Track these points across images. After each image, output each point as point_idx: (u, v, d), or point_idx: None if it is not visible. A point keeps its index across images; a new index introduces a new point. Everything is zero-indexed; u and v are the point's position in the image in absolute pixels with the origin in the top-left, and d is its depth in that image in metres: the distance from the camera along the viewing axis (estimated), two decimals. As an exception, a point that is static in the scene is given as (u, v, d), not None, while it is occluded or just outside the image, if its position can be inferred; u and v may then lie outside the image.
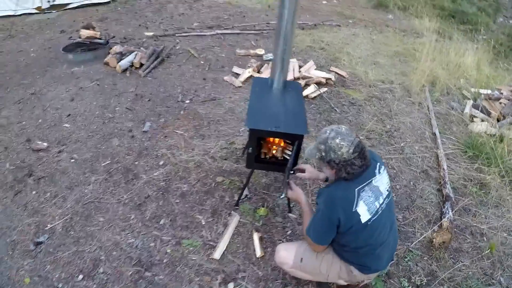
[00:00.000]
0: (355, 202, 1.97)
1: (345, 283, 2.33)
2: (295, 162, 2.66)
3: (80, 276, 2.66)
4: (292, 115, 2.77)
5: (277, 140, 2.90)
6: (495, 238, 3.21)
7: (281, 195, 2.50)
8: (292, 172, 2.61)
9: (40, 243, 2.88)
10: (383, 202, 2.08)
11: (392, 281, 2.79)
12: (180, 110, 4.51)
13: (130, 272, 2.69)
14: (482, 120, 4.65)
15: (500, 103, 4.85)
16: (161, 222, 3.08)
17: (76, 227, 3.03)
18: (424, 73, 5.50)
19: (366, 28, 8.36)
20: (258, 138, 2.73)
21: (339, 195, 2.00)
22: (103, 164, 3.64)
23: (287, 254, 2.30)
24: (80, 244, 2.89)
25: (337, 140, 1.95)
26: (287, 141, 2.87)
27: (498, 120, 4.53)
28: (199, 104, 4.66)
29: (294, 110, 2.83)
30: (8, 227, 3.01)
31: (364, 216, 1.98)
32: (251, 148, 2.67)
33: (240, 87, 5.13)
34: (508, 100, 4.80)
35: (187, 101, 4.71)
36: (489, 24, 10.40)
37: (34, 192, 3.33)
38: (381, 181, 2.11)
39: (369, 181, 2.05)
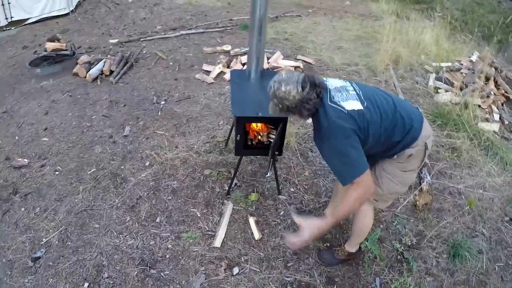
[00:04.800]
0: (341, 108, 1.89)
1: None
2: (281, 143, 2.66)
3: (86, 284, 2.55)
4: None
5: (259, 126, 2.88)
6: (472, 195, 3.33)
7: (267, 173, 2.51)
8: (277, 153, 2.61)
9: (38, 258, 2.73)
10: (354, 88, 2.02)
11: (385, 245, 2.86)
12: (157, 112, 4.39)
13: (136, 272, 2.61)
14: (446, 91, 4.74)
15: (461, 73, 4.94)
16: (157, 220, 3.00)
17: (72, 237, 2.90)
18: (387, 53, 5.55)
19: (326, 15, 8.43)
20: (244, 126, 2.70)
21: (330, 121, 1.88)
22: (89, 172, 3.50)
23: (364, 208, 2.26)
24: (80, 253, 2.77)
25: (283, 88, 1.91)
26: (270, 126, 2.87)
27: (461, 89, 4.62)
28: (174, 104, 4.55)
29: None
30: (2, 248, 2.84)
31: (356, 105, 1.91)
32: (239, 136, 2.64)
33: (212, 83, 5.03)
34: (468, 69, 4.90)
35: (163, 102, 4.59)
36: (443, 1, 10.60)
37: (23, 209, 3.15)
38: (333, 82, 2.06)
39: (327, 90, 1.98)
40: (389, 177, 2.14)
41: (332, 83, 2.05)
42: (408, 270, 2.69)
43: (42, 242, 2.86)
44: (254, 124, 2.89)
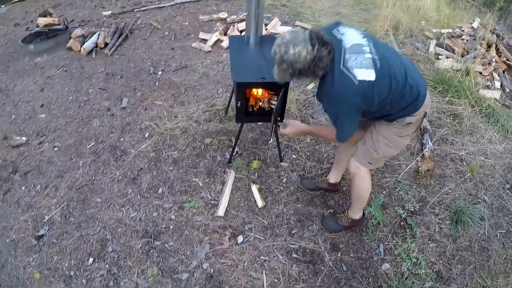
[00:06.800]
0: (352, 76, 1.73)
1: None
2: (283, 109, 2.50)
3: (91, 260, 2.49)
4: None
5: (260, 92, 2.71)
6: (474, 162, 3.23)
7: (269, 140, 2.38)
8: (279, 119, 2.46)
9: (42, 236, 2.66)
10: (370, 50, 1.82)
11: (388, 211, 2.77)
12: (155, 82, 4.20)
13: (140, 245, 2.53)
14: (447, 57, 4.57)
15: (462, 39, 4.75)
16: (159, 191, 2.90)
17: (74, 212, 2.81)
18: (387, 18, 5.24)
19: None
20: (244, 92, 2.53)
21: (337, 90, 1.77)
22: (88, 147, 3.37)
23: (357, 164, 2.23)
24: (83, 228, 2.69)
25: (291, 51, 1.72)
26: (271, 92, 2.70)
27: (462, 56, 4.44)
28: (172, 74, 4.34)
29: (275, 61, 2.65)
30: (5, 228, 2.77)
31: (369, 75, 1.74)
32: (239, 102, 2.48)
33: (209, 51, 4.80)
34: (470, 36, 4.70)
35: (160, 72, 4.38)
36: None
37: (23, 188, 3.06)
38: (350, 37, 1.85)
39: (342, 50, 1.80)
40: (386, 141, 2.10)
41: (349, 38, 1.84)
42: (411, 236, 2.62)
43: (45, 220, 2.78)
44: (254, 90, 2.73)
